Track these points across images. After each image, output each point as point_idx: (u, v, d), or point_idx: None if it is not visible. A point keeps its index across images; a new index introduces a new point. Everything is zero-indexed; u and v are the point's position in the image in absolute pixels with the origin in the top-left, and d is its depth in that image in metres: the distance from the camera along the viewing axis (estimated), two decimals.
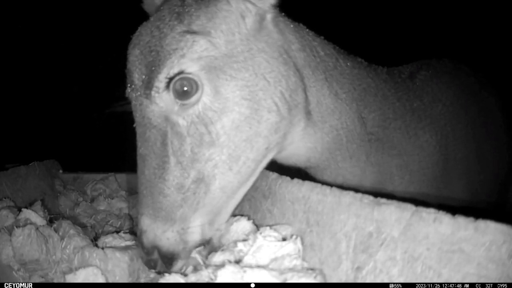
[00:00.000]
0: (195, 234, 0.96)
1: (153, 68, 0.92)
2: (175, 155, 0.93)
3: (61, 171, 2.13)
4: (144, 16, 1.10)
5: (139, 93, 0.95)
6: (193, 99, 0.92)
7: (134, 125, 1.01)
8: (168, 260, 0.94)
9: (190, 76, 0.91)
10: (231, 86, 0.94)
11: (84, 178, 2.16)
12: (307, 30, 1.18)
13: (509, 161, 1.69)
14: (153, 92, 0.92)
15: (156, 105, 0.93)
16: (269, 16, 1.03)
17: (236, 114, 0.94)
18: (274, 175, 1.06)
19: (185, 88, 0.91)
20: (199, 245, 0.97)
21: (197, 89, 0.92)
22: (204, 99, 0.92)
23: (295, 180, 0.98)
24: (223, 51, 0.94)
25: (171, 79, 0.91)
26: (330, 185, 0.88)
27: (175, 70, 0.91)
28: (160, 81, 0.92)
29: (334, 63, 1.18)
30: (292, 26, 1.12)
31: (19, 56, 3.62)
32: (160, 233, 0.93)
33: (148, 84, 0.93)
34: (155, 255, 0.94)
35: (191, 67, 0.91)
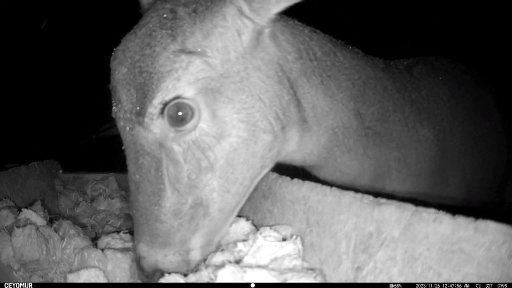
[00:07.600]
0: (196, 255, 0.94)
1: (145, 91, 0.86)
2: (171, 182, 0.89)
3: (61, 171, 2.13)
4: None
5: (128, 116, 0.89)
6: (189, 125, 0.87)
7: (123, 147, 0.96)
8: None
9: (186, 101, 0.86)
10: (229, 109, 0.89)
11: (84, 178, 2.16)
12: (303, 27, 1.12)
13: (507, 160, 1.69)
14: (146, 119, 0.86)
15: (150, 131, 0.87)
16: (266, 31, 0.98)
17: (234, 137, 0.90)
18: (274, 175, 1.06)
19: (180, 114, 0.86)
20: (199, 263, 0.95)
21: (192, 115, 0.87)
22: (202, 125, 0.88)
23: (295, 180, 0.98)
24: (219, 71, 0.89)
25: (165, 104, 0.86)
26: (330, 185, 0.88)
27: (171, 95, 0.85)
28: (154, 107, 0.85)
29: (332, 61, 1.15)
30: (288, 31, 1.06)
31: (20, 56, 3.62)
32: (161, 257, 0.91)
33: (141, 110, 0.87)
34: (156, 278, 0.90)
35: (188, 91, 0.86)
